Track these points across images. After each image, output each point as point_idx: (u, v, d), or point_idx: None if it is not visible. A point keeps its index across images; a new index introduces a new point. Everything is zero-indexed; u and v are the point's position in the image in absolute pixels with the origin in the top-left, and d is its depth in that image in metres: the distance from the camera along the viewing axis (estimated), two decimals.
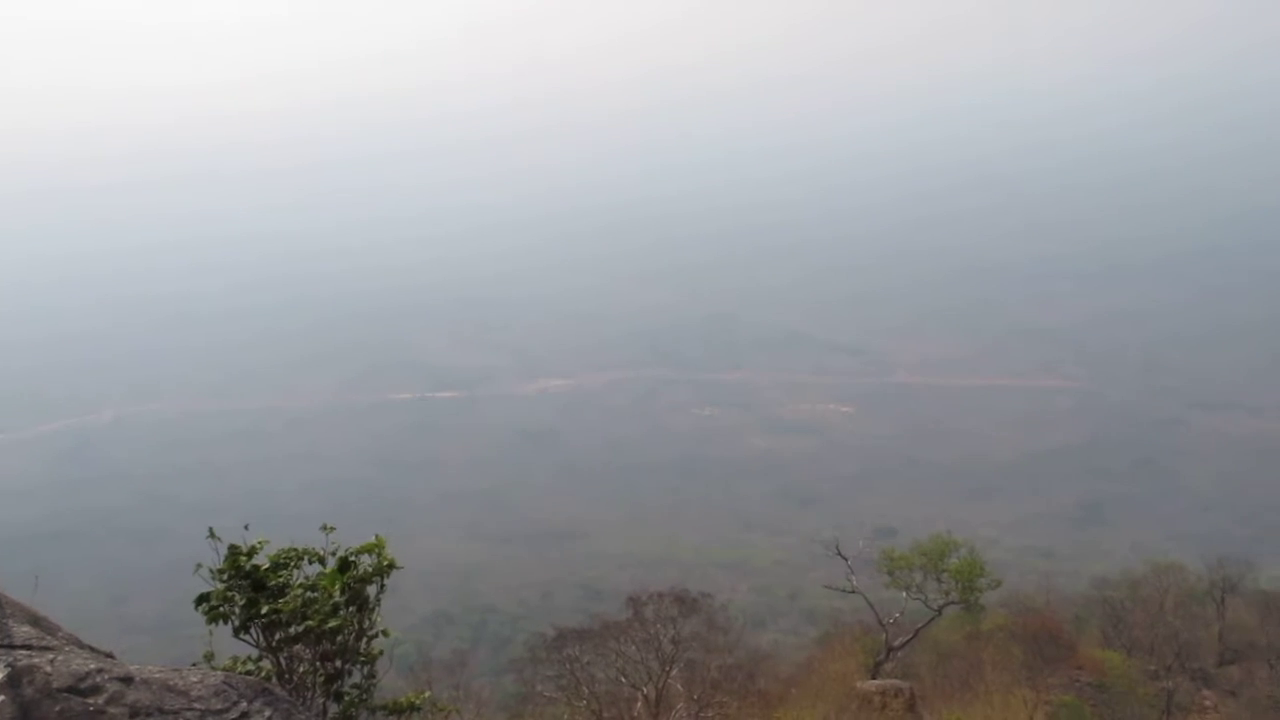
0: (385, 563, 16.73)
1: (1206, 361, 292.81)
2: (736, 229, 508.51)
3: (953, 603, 61.09)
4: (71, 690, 10.86)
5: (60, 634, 13.14)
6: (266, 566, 16.33)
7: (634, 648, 47.81)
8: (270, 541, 16.89)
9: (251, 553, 16.34)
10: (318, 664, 16.18)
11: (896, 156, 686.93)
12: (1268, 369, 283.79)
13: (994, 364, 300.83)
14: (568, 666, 48.05)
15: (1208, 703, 64.51)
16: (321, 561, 16.71)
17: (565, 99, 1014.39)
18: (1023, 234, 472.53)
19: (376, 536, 16.83)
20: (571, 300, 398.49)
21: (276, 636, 16.05)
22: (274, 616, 15.85)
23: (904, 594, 61.17)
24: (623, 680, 47.89)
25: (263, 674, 15.64)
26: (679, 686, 47.72)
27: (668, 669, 47.03)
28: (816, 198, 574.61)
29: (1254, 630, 74.48)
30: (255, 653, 16.22)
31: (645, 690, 46.71)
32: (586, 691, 46.84)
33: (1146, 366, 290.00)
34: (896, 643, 59.69)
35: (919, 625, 61.04)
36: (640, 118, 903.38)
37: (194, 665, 14.06)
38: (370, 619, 16.79)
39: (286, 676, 16.05)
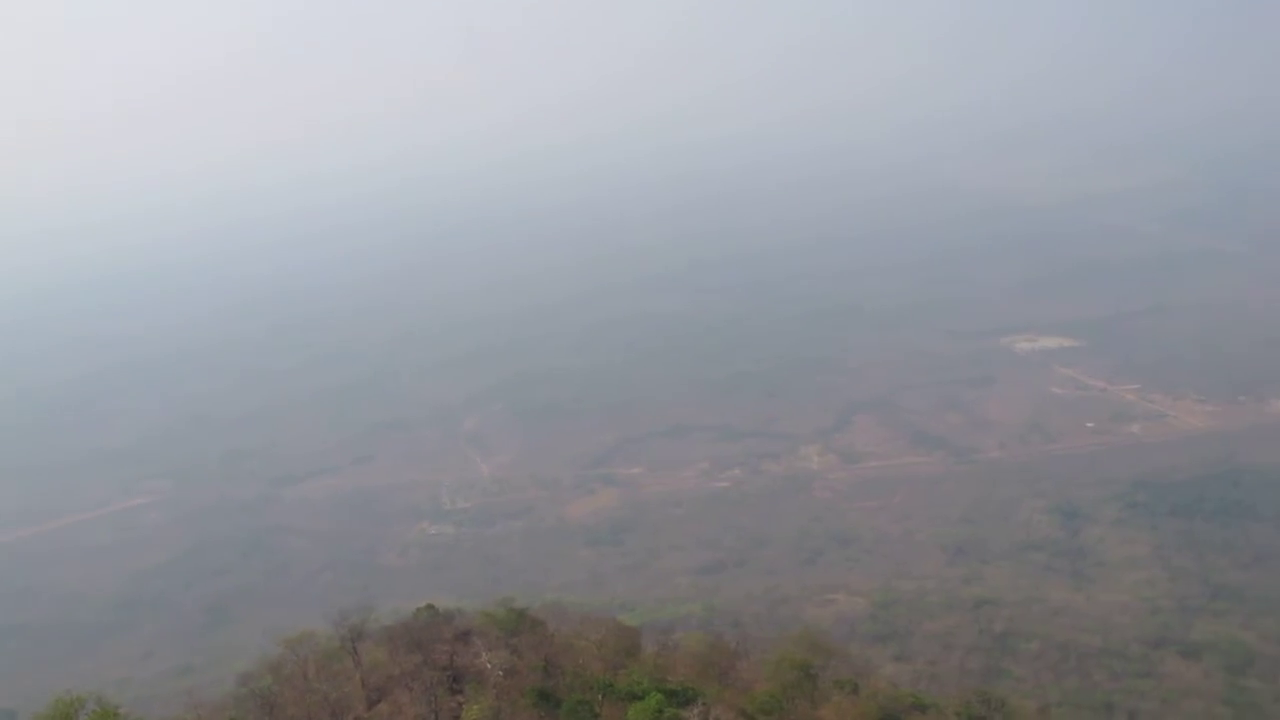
0: None
1: (281, 441, 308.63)
2: None
3: None
4: None
5: None
6: None
7: None
8: None
9: None
10: None
11: None
12: (333, 435, 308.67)
13: (72, 501, 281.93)
14: None
15: None
16: None
17: None
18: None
19: None
20: None
21: None
22: None
23: None
24: None
25: None
26: None
27: None
28: None
29: (388, 664, 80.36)
30: None
31: None
32: None
33: (225, 460, 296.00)
34: None
35: None
36: None
37: None
38: None
39: None
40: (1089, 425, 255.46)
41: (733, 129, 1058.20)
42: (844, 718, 76.13)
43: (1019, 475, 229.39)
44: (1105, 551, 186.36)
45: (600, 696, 71.04)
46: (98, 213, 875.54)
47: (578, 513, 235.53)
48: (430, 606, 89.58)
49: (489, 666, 75.80)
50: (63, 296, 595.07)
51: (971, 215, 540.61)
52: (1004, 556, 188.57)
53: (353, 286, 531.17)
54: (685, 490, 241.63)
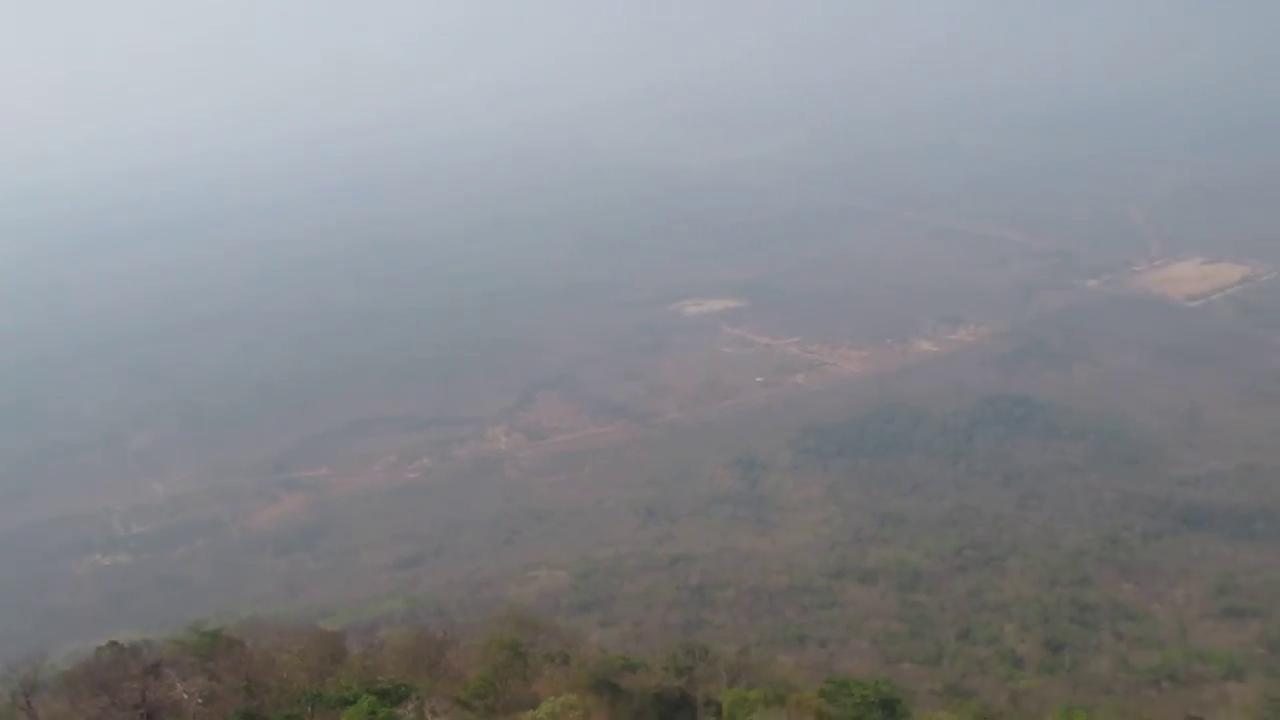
0: None
1: None
2: None
3: None
4: None
5: None
6: None
7: None
8: None
9: None
10: None
11: None
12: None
13: None
14: None
15: None
16: None
17: None
18: None
19: None
20: None
21: None
22: None
23: None
24: None
25: None
26: None
27: None
28: None
29: (70, 713, 73.74)
30: None
31: None
32: None
33: None
34: None
35: None
36: None
37: None
38: None
39: None
40: (758, 380, 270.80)
41: (385, 110, 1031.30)
42: (557, 689, 76.95)
43: (699, 434, 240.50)
44: (784, 496, 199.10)
45: (309, 708, 68.46)
46: None
47: (264, 522, 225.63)
48: (113, 643, 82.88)
49: (185, 697, 71.32)
50: None
51: (639, 191, 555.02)
52: (693, 513, 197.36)
53: None
54: (374, 485, 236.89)
